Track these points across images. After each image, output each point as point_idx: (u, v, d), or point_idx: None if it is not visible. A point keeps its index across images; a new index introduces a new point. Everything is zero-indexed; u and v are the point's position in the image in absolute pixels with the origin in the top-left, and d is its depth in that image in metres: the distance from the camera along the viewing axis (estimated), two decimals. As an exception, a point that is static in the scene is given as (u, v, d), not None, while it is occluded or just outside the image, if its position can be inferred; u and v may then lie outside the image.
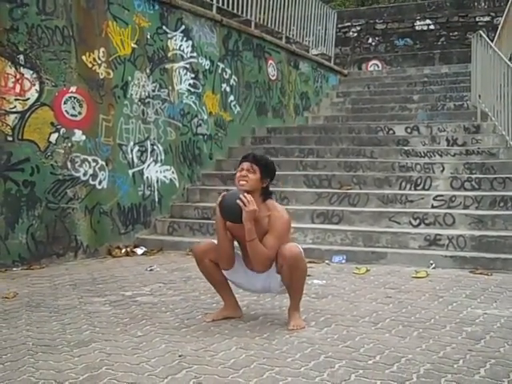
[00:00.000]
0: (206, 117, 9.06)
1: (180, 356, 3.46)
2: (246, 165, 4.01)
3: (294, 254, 3.89)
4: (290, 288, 4.06)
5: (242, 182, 3.98)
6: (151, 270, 6.25)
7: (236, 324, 4.13)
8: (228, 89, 9.61)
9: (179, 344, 3.69)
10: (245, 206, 3.82)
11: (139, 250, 7.36)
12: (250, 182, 3.96)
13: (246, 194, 3.87)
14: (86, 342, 3.77)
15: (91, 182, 7.08)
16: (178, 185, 8.45)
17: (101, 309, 4.64)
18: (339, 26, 14.76)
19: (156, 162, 8.05)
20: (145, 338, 3.82)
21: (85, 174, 7.00)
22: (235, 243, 4.18)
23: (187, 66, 8.71)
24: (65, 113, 6.77)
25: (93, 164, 7.10)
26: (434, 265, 6.13)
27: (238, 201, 3.84)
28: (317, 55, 13.02)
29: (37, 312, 4.56)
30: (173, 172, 8.36)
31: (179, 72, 8.55)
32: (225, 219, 4.00)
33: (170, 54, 8.37)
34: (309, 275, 5.62)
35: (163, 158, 8.18)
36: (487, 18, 14.33)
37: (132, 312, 4.53)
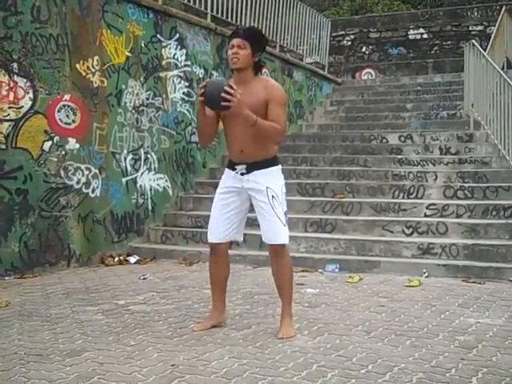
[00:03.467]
0: (199, 125, 9.05)
1: (172, 365, 3.45)
2: (236, 41, 3.98)
3: (277, 243, 4.03)
4: (279, 286, 4.16)
5: (234, 60, 3.97)
6: (144, 278, 6.24)
7: (229, 333, 4.12)
8: (222, 97, 9.59)
9: (172, 353, 3.69)
10: (232, 97, 3.75)
11: (132, 259, 7.34)
12: (242, 59, 3.96)
13: (229, 84, 3.80)
14: (78, 351, 3.76)
15: (84, 191, 7.06)
16: (171, 193, 8.45)
17: (93, 318, 4.63)
18: (333, 34, 14.79)
19: (149, 170, 8.05)
20: (137, 347, 3.82)
21: (78, 182, 6.98)
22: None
23: (181, 74, 8.72)
24: (58, 121, 6.76)
25: (86, 172, 7.09)
26: (426, 273, 6.13)
27: (223, 94, 3.74)
28: (311, 64, 13.06)
29: (29, 321, 4.54)
30: (166, 180, 8.36)
31: (173, 80, 8.56)
32: (209, 108, 3.97)
33: (164, 63, 8.38)
34: (302, 284, 5.66)
35: (157, 166, 8.17)
36: (480, 28, 14.41)
37: (125, 321, 4.52)
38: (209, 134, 4.18)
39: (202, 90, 3.88)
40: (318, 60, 13.44)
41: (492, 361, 3.50)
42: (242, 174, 4.07)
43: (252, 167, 4.05)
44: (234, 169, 4.12)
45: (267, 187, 4.02)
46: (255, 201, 4.08)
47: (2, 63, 6.22)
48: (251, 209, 4.21)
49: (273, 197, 4.02)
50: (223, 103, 3.77)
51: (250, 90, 3.96)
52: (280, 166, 4.22)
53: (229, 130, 4.12)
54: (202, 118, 4.06)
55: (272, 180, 4.07)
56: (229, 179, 4.16)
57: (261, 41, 4.09)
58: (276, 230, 4.03)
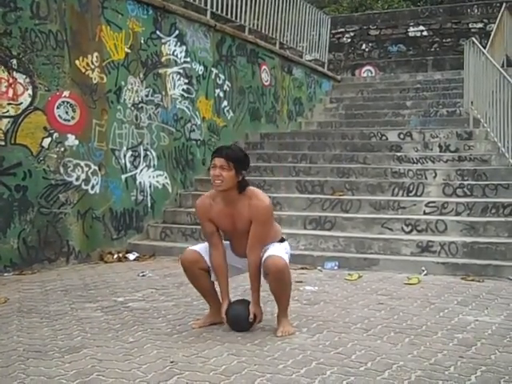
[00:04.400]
0: (199, 122, 9.07)
1: (171, 362, 3.45)
2: (218, 161, 3.91)
3: (278, 268, 3.91)
4: (276, 296, 4.09)
5: (217, 182, 3.91)
6: (143, 275, 6.24)
7: (228, 330, 4.12)
8: (221, 94, 9.61)
9: (171, 350, 3.68)
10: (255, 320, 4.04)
11: (131, 256, 7.34)
12: (225, 181, 3.90)
13: (253, 315, 4.04)
14: (77, 348, 3.76)
15: (84, 187, 7.06)
16: (170, 190, 8.44)
17: (92, 315, 4.63)
18: (333, 31, 14.78)
19: (149, 167, 8.04)
20: (136, 344, 3.82)
21: (77, 179, 6.98)
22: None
23: (181, 71, 8.71)
24: (58, 117, 6.75)
25: (85, 169, 7.09)
26: (425, 271, 6.14)
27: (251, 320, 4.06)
28: (310, 61, 13.04)
29: (28, 318, 4.54)
30: (166, 177, 8.35)
31: (173, 77, 8.55)
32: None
33: (163, 59, 8.37)
34: (301, 281, 5.66)
35: (156, 163, 8.17)
36: (480, 25, 14.40)
37: (124, 318, 4.51)
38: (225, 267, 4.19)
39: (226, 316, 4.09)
40: (317, 57, 13.42)
41: (491, 359, 3.50)
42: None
43: None
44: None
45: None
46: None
47: (2, 59, 6.21)
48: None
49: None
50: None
51: (235, 208, 3.98)
52: (287, 243, 4.26)
53: (230, 241, 4.24)
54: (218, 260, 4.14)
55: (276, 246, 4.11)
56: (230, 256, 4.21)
57: (244, 161, 4.00)
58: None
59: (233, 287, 5.27)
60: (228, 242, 4.24)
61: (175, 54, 8.60)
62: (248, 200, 3.98)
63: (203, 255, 4.16)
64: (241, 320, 4.06)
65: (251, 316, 4.03)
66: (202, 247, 4.22)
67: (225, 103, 9.70)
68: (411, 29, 15.10)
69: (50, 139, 6.65)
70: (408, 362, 3.43)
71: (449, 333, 4.04)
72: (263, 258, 3.97)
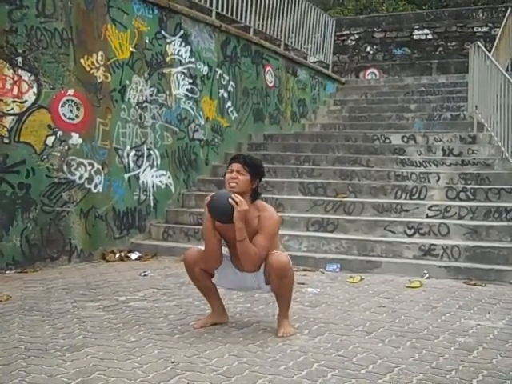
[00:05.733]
0: (202, 122, 9.07)
1: (173, 362, 3.45)
2: (235, 166, 3.99)
3: (281, 264, 3.91)
4: (278, 296, 4.09)
5: (232, 184, 3.97)
6: (145, 275, 6.24)
7: (229, 331, 4.12)
8: (225, 94, 9.62)
9: (172, 350, 3.68)
10: (236, 205, 3.83)
11: (133, 255, 7.34)
12: (240, 184, 3.96)
13: (236, 195, 3.88)
14: (78, 346, 3.76)
15: (87, 186, 7.06)
16: (173, 190, 8.45)
17: (94, 313, 4.63)
18: (337, 33, 14.78)
19: (152, 166, 8.05)
20: (137, 344, 3.82)
21: (80, 178, 6.98)
22: (224, 248, 4.21)
23: (185, 71, 8.71)
24: (62, 116, 6.76)
25: (89, 167, 7.09)
26: (427, 275, 6.13)
27: (230, 200, 3.84)
28: (315, 63, 13.05)
29: (30, 316, 4.55)
30: (169, 177, 8.36)
31: (177, 77, 8.55)
32: (214, 219, 3.99)
33: (168, 59, 8.37)
34: (303, 283, 5.66)
35: (159, 162, 8.17)
36: (485, 29, 14.40)
37: (125, 317, 4.52)
38: (216, 258, 4.11)
39: (207, 202, 3.96)
40: (322, 59, 13.44)
41: (492, 363, 3.49)
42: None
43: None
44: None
45: None
46: None
47: (7, 57, 6.22)
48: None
49: None
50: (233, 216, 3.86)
51: (246, 217, 3.97)
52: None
53: (231, 251, 4.19)
54: (210, 240, 4.04)
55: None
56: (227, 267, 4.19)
57: (260, 170, 4.07)
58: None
59: (233, 298, 5.28)
60: (228, 255, 4.20)
61: (180, 53, 8.60)
62: (258, 212, 4.01)
63: None
64: (222, 202, 3.89)
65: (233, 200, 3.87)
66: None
67: (229, 104, 9.70)
68: (416, 32, 15.10)
69: (53, 137, 6.65)
70: (409, 366, 3.42)
71: (450, 337, 4.04)
72: (268, 257, 3.96)
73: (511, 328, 4.27)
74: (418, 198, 7.64)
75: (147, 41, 7.98)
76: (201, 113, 9.03)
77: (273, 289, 4.06)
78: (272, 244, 4.01)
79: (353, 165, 8.78)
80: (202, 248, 4.21)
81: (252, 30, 10.56)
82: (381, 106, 11.93)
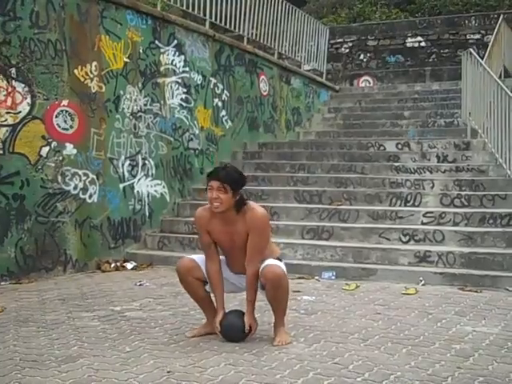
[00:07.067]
0: (197, 131, 9.08)
1: (168, 372, 3.44)
2: (214, 183, 3.94)
3: (276, 276, 3.94)
4: (273, 305, 4.09)
5: (216, 204, 3.94)
6: (141, 284, 6.23)
7: (224, 340, 4.11)
8: (220, 104, 9.63)
9: (168, 360, 3.67)
10: (250, 331, 4.05)
11: (129, 265, 7.33)
12: (224, 203, 3.93)
13: (249, 326, 4.04)
14: (73, 357, 3.75)
15: (81, 196, 7.06)
16: (168, 199, 8.44)
17: (89, 324, 4.62)
18: (331, 41, 14.82)
19: (147, 176, 8.04)
20: (133, 354, 3.81)
21: (75, 188, 6.98)
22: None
23: (179, 80, 8.73)
24: (56, 126, 6.76)
25: (83, 178, 7.09)
26: (423, 281, 6.13)
27: (245, 328, 4.04)
28: (309, 71, 13.08)
29: (25, 327, 4.53)
30: (163, 186, 8.35)
31: (171, 86, 8.56)
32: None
33: (162, 69, 8.39)
34: (298, 291, 5.66)
35: (154, 172, 8.17)
36: (478, 36, 14.45)
37: (121, 327, 4.51)
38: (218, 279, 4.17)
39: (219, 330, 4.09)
40: (315, 67, 13.46)
41: (488, 369, 3.49)
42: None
43: None
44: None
45: None
46: None
47: (1, 68, 6.23)
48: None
49: None
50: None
51: (233, 227, 4.01)
52: (283, 263, 4.21)
53: (226, 257, 4.25)
54: (210, 256, 4.14)
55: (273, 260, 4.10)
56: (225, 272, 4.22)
57: (239, 182, 4.01)
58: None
59: (230, 296, 5.27)
60: (224, 258, 4.23)
61: (174, 63, 8.62)
62: (244, 216, 4.01)
63: (199, 264, 4.16)
64: (235, 330, 4.05)
65: (246, 327, 4.02)
66: (199, 257, 4.22)
67: (223, 113, 9.72)
68: (409, 39, 15.15)
69: (48, 148, 6.65)
70: (405, 373, 3.42)
71: (446, 343, 4.04)
72: (261, 268, 3.97)
73: (507, 334, 4.28)
74: (413, 205, 7.65)
75: (141, 51, 8.00)
76: (195, 122, 9.04)
77: (268, 298, 4.07)
78: (267, 238, 4.08)
79: (347, 172, 8.80)
80: (195, 257, 4.22)
81: (246, 39, 10.59)
82: (375, 114, 11.95)
